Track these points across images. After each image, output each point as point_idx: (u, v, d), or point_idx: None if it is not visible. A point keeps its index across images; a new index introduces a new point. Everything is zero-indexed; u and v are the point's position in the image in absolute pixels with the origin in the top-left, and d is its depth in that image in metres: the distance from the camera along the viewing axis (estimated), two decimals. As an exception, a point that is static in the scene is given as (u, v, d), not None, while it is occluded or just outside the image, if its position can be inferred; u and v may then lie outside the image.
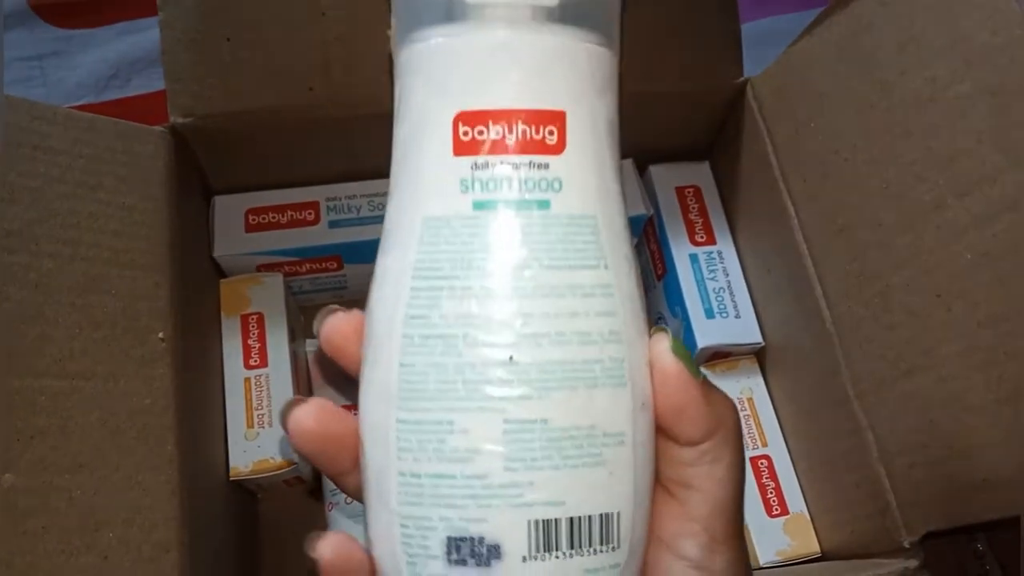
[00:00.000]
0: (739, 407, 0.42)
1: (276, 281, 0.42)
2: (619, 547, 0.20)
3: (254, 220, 0.42)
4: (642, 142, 0.43)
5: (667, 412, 0.21)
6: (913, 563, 0.33)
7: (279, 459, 0.39)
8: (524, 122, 0.20)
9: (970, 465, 0.31)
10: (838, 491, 0.37)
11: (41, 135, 0.30)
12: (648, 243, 0.46)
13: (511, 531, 0.19)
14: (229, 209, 0.42)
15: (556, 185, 0.20)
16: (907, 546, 0.33)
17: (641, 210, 0.43)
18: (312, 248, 0.42)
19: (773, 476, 0.40)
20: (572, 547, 0.20)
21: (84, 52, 0.51)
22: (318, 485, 0.43)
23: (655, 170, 0.45)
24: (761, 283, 0.42)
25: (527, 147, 0.20)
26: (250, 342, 0.41)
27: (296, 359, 0.42)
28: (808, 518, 0.39)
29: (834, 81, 0.35)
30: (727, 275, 0.43)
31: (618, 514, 0.20)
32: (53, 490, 0.27)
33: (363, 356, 0.22)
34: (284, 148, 0.40)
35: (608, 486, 0.20)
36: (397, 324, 0.20)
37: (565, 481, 0.19)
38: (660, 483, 0.22)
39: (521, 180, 0.20)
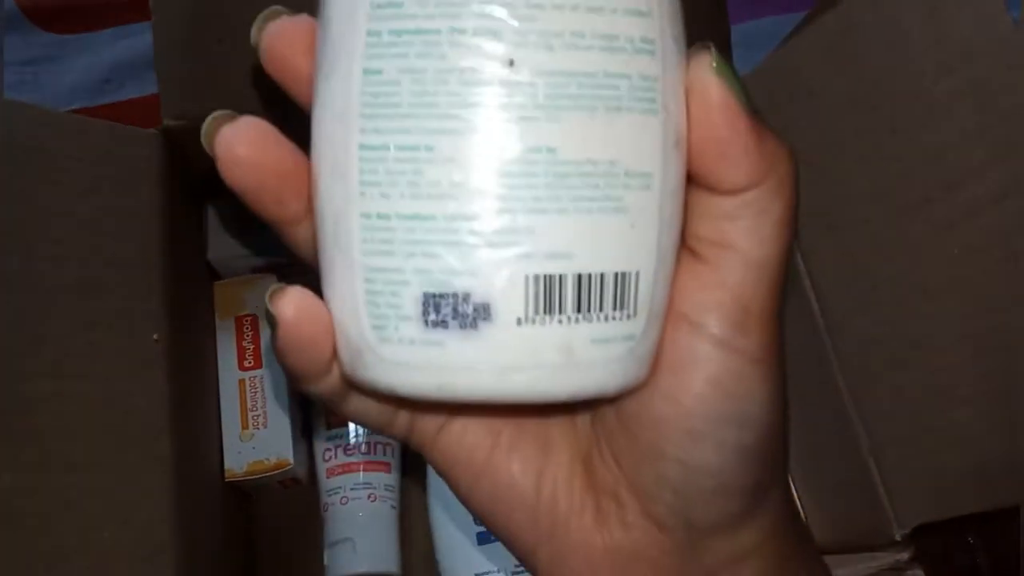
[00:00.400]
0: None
1: (270, 283, 0.42)
2: (635, 315, 0.17)
3: (248, 222, 0.42)
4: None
5: (707, 149, 0.17)
6: (904, 555, 0.33)
7: (274, 460, 0.39)
8: None
9: (960, 457, 0.31)
10: (829, 485, 0.37)
11: (36, 138, 0.30)
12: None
13: (504, 287, 0.16)
14: (222, 212, 0.42)
15: None
16: (898, 539, 0.33)
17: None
18: (306, 250, 0.42)
19: (766, 472, 0.40)
20: (579, 310, 0.16)
21: (78, 57, 0.51)
22: (313, 486, 0.44)
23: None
24: (753, 281, 0.42)
25: None
26: (244, 344, 0.41)
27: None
28: (800, 513, 0.40)
29: (823, 80, 0.35)
30: (719, 273, 0.43)
31: (637, 274, 0.17)
32: (49, 491, 0.27)
33: (316, 67, 0.17)
34: (277, 150, 0.40)
35: (627, 239, 0.16)
36: (359, 16, 0.16)
37: (575, 229, 0.16)
38: (685, 243, 0.18)
39: None
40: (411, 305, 0.16)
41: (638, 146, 0.16)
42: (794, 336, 0.38)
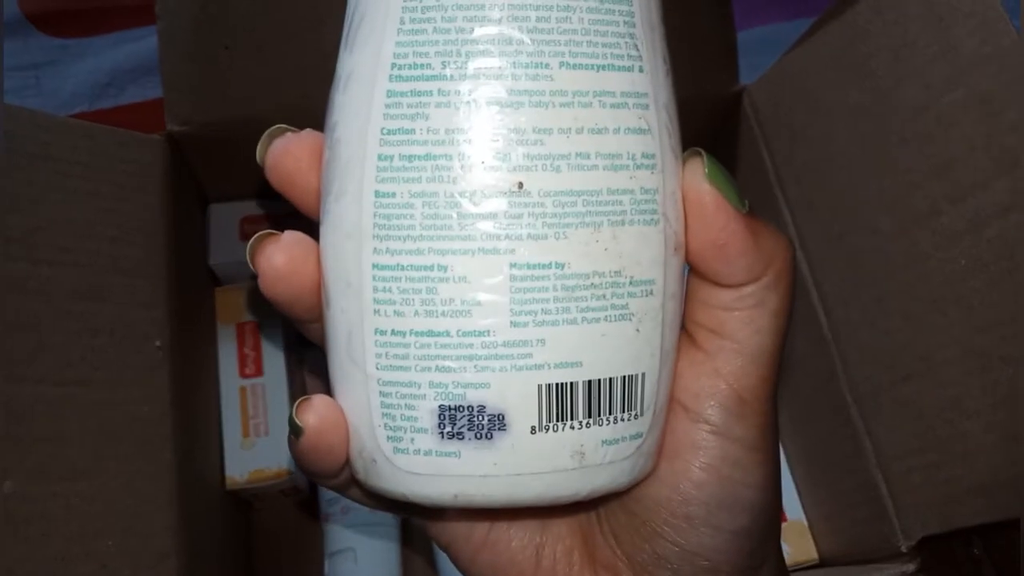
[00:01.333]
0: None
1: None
2: (642, 414, 0.17)
3: (249, 228, 0.42)
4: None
5: (704, 250, 0.17)
6: (911, 567, 0.33)
7: (275, 468, 0.39)
8: None
9: (966, 469, 0.31)
10: (836, 497, 0.37)
11: (40, 143, 0.30)
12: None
13: (518, 398, 0.16)
14: (224, 217, 0.42)
15: None
16: (904, 551, 0.33)
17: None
18: (309, 256, 0.42)
19: (770, 482, 0.40)
20: (590, 415, 0.17)
21: (79, 61, 0.51)
22: (314, 495, 0.43)
23: (650, 178, 0.45)
24: (756, 290, 0.42)
25: None
26: (246, 350, 0.41)
27: (292, 368, 0.42)
28: (806, 525, 0.39)
29: (830, 89, 0.35)
30: (723, 282, 0.43)
31: (643, 376, 0.17)
32: (52, 497, 0.27)
33: (323, 187, 0.18)
34: (281, 156, 0.40)
35: (633, 343, 0.17)
36: (370, 141, 0.16)
37: (584, 338, 0.16)
38: (685, 330, 0.19)
39: None
40: (427, 418, 0.17)
41: (641, 255, 0.17)
42: (801, 347, 0.38)
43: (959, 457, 0.31)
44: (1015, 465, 0.29)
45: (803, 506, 0.40)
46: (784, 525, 0.39)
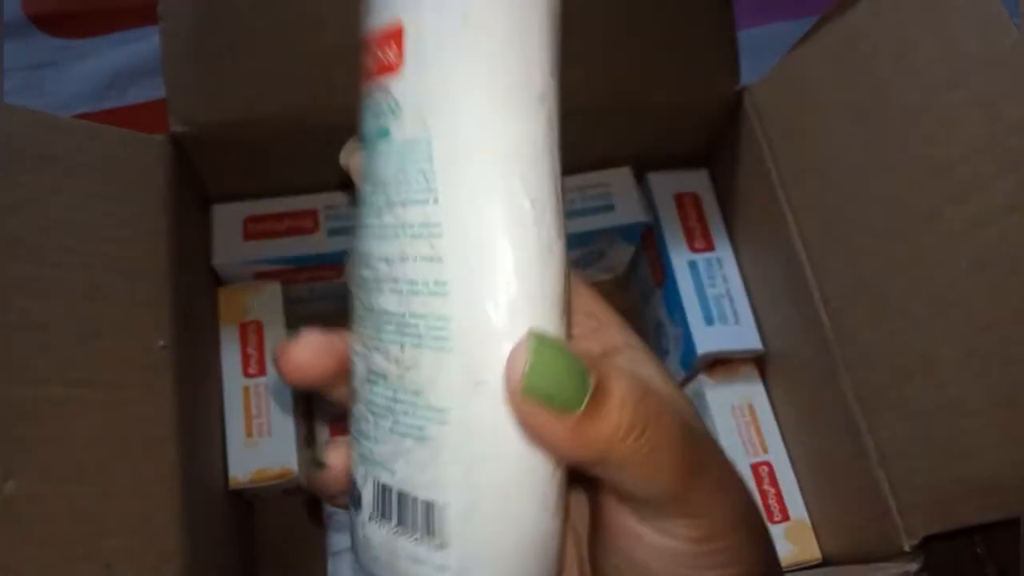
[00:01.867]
0: (740, 413, 0.42)
1: (274, 289, 0.42)
2: (446, 547, 0.17)
3: (252, 228, 0.42)
4: (640, 150, 0.43)
5: (527, 434, 0.17)
6: (913, 567, 0.33)
7: (278, 468, 0.39)
8: (373, 43, 0.19)
9: (969, 469, 0.31)
10: (838, 496, 0.37)
11: (44, 144, 0.30)
12: (647, 250, 0.46)
13: (364, 485, 0.19)
14: (228, 217, 0.42)
15: (394, 109, 0.18)
16: (907, 550, 0.33)
17: (640, 217, 0.43)
18: (311, 256, 0.42)
19: (774, 482, 0.40)
20: (401, 524, 0.18)
21: (81, 62, 0.51)
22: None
23: (653, 177, 0.45)
24: (760, 289, 0.42)
25: (377, 71, 0.18)
26: (249, 350, 0.41)
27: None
28: (809, 524, 0.39)
29: (831, 89, 0.35)
30: (726, 282, 0.43)
31: (445, 505, 0.17)
32: (55, 498, 0.27)
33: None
34: (283, 157, 0.40)
35: (430, 469, 0.17)
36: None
37: (394, 449, 0.18)
38: None
39: (375, 107, 0.19)
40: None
41: (435, 382, 0.17)
42: (804, 347, 0.38)
43: (961, 456, 0.31)
44: (1017, 464, 0.29)
45: (806, 505, 0.40)
46: (787, 524, 0.39)
